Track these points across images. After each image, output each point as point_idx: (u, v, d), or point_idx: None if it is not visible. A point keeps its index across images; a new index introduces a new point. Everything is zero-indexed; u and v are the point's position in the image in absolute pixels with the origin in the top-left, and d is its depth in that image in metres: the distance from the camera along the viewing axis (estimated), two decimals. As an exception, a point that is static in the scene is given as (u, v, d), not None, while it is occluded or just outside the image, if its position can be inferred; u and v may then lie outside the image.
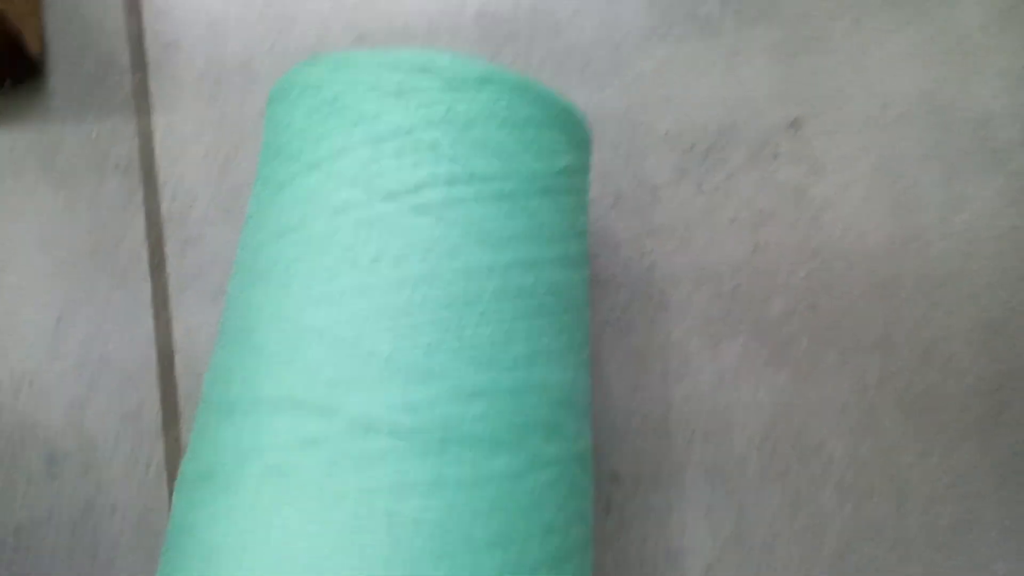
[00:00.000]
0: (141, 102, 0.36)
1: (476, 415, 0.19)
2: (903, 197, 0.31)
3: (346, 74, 0.21)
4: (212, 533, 0.19)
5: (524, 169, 0.21)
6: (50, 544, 0.37)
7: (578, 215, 0.24)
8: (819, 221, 0.32)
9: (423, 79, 0.21)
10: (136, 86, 0.36)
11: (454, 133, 0.20)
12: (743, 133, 0.32)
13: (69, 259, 0.36)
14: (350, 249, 0.20)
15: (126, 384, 0.36)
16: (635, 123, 0.33)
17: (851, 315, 0.31)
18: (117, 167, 0.36)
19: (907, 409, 0.31)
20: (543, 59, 0.34)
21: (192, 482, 0.20)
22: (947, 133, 0.31)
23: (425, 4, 0.35)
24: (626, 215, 0.33)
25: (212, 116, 0.36)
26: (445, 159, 0.20)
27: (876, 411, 0.31)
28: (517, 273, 0.20)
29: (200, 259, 0.36)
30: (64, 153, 0.37)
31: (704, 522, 0.32)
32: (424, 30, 0.35)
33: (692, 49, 0.33)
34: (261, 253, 0.21)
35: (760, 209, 0.32)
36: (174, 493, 0.21)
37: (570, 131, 0.23)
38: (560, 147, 0.23)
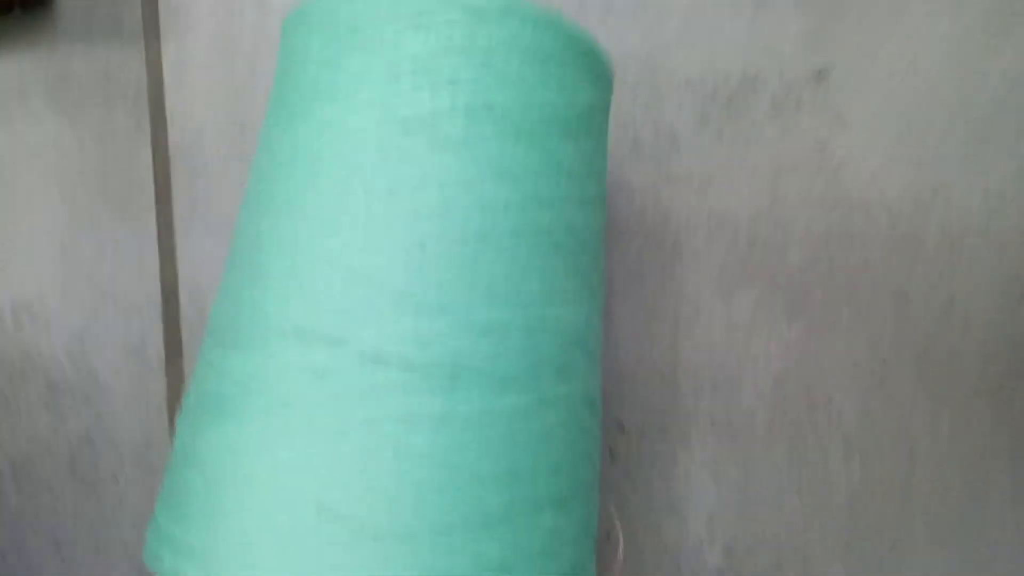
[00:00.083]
0: (151, 30, 0.36)
1: (487, 351, 0.19)
2: (927, 154, 0.31)
3: (365, 3, 0.21)
4: (216, 464, 0.19)
5: (544, 104, 0.21)
6: (48, 474, 0.37)
7: (597, 155, 0.23)
8: (840, 174, 0.31)
9: (444, 8, 0.20)
10: (146, 13, 0.36)
11: (474, 64, 0.20)
12: (767, 82, 0.31)
13: (74, 188, 0.36)
14: (366, 179, 0.19)
15: (129, 316, 0.36)
16: (657, 68, 0.32)
17: (868, 270, 0.31)
18: (125, 96, 0.36)
19: (921, 367, 0.31)
20: (565, -2, 0.33)
21: (196, 412, 0.20)
22: (976, 91, 0.31)
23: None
24: (643, 162, 0.32)
25: (223, 46, 0.35)
26: (464, 90, 0.20)
27: (889, 368, 0.31)
28: (534, 210, 0.20)
29: (207, 192, 0.35)
30: (72, 81, 0.36)
31: (708, 473, 0.32)
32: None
33: (719, -7, 0.32)
34: (273, 182, 0.21)
35: (781, 160, 0.31)
36: (177, 422, 0.21)
37: (593, 68, 0.22)
38: (582, 84, 0.22)
